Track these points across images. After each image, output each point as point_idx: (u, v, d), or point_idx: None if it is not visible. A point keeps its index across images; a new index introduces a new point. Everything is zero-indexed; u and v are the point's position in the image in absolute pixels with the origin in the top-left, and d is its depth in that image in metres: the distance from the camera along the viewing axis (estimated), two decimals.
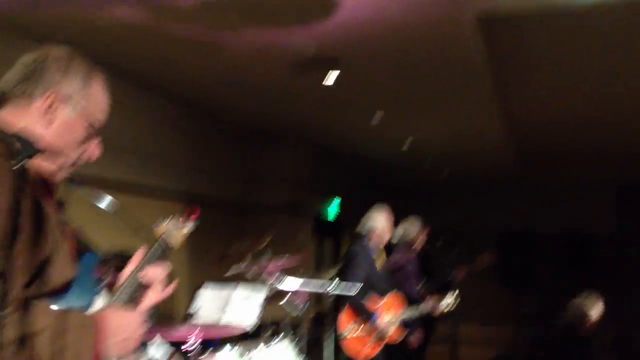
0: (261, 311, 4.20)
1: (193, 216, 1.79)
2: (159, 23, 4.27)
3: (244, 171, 7.68)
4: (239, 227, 7.28)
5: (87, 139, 1.54)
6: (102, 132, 1.58)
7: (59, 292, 1.44)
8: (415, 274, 5.43)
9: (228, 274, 4.05)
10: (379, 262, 4.80)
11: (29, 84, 1.47)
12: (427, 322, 5.30)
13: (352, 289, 4.36)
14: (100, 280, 1.56)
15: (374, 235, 4.70)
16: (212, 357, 3.16)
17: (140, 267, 1.61)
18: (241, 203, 7.64)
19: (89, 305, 1.47)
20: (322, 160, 8.89)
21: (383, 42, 4.57)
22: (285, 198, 7.74)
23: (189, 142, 6.49)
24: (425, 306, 4.91)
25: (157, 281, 1.62)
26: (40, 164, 1.48)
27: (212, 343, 4.57)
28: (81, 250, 1.57)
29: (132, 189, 5.18)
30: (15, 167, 1.26)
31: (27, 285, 1.37)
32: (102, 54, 4.76)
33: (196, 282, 5.85)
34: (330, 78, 5.30)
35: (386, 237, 4.74)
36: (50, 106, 1.47)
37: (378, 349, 4.57)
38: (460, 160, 9.95)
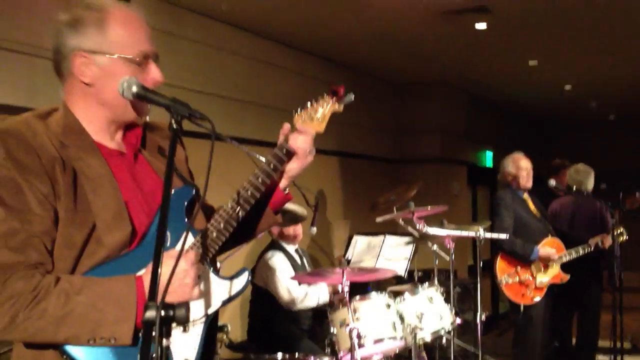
0: (411, 257, 4.35)
1: (338, 94, 1.76)
2: None
3: (398, 123, 7.79)
4: (393, 178, 7.45)
5: (136, 72, 1.48)
6: (153, 55, 1.53)
7: (122, 249, 1.44)
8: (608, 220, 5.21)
9: (379, 220, 4.22)
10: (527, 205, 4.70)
11: (57, 59, 1.49)
12: (593, 267, 5.11)
13: (504, 233, 4.33)
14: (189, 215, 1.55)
15: (510, 179, 4.64)
16: (366, 299, 3.38)
17: (282, 144, 1.69)
18: (395, 154, 7.78)
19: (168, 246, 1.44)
20: (476, 108, 8.73)
21: None
22: (439, 148, 7.75)
23: None
24: (589, 245, 4.71)
25: (301, 149, 1.70)
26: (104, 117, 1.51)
27: (366, 287, 4.85)
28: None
29: None
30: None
31: (77, 262, 1.40)
32: (249, 17, 5.08)
33: (350, 230, 6.16)
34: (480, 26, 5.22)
35: (524, 181, 4.63)
36: (80, 68, 1.46)
37: (542, 292, 4.52)
38: (621, 101, 9.31)
